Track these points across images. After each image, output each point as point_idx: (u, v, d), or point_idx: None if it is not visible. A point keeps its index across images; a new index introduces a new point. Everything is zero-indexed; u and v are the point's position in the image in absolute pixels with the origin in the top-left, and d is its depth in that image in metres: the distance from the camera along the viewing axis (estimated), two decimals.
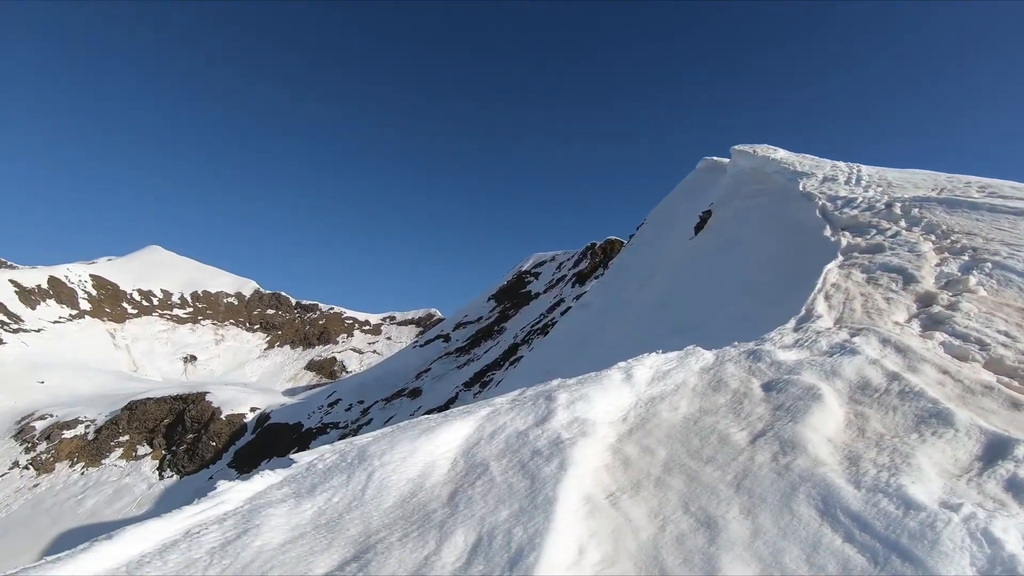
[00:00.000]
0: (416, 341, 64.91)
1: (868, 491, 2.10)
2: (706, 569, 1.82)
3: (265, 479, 2.63)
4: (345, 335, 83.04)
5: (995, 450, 2.43)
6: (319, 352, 77.31)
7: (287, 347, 78.45)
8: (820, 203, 11.09)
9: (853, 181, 12.22)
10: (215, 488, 2.52)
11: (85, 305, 68.46)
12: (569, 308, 34.56)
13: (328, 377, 69.67)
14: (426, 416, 3.48)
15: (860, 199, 10.50)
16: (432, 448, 2.74)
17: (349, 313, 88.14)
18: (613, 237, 51.83)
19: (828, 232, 9.68)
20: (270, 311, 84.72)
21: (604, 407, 3.19)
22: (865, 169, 13.33)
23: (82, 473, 37.67)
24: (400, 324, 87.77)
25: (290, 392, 56.52)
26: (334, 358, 75.11)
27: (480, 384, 36.68)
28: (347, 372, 70.68)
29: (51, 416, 41.20)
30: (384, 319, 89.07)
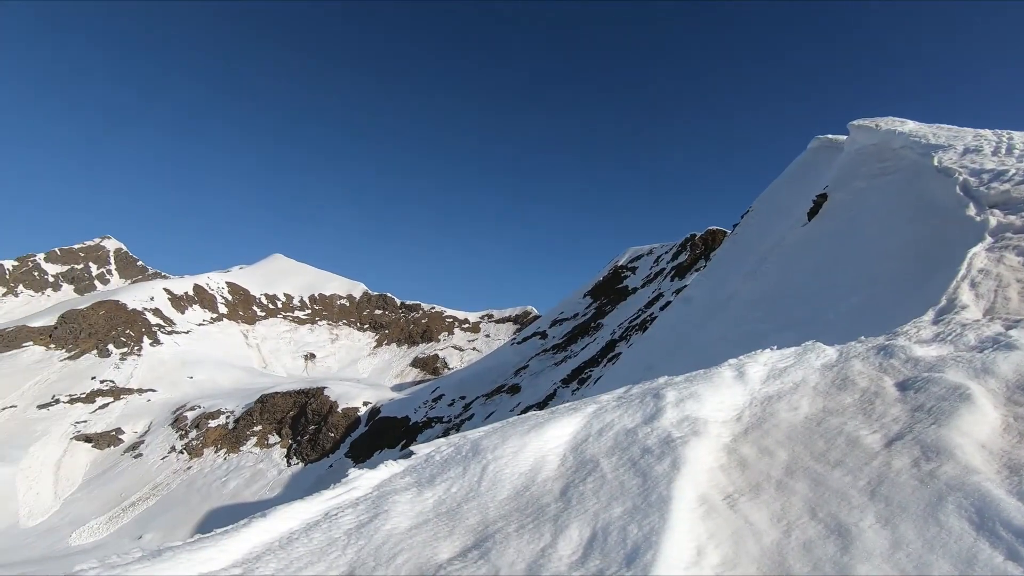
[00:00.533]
0: (513, 338, 66.07)
1: None
2: None
3: (389, 468, 2.84)
4: (446, 333, 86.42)
5: None
6: (423, 350, 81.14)
7: (393, 345, 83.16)
8: (961, 178, 9.81)
9: (1003, 151, 10.68)
10: (347, 475, 2.78)
11: (223, 309, 77.15)
12: (669, 303, 33.48)
13: (431, 373, 72.96)
14: (533, 412, 3.56)
15: (1013, 171, 9.16)
16: (541, 444, 2.81)
17: (449, 312, 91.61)
18: (715, 227, 49.35)
19: (973, 211, 8.55)
20: (378, 311, 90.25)
21: (715, 405, 3.08)
22: (1018, 136, 11.58)
23: (224, 458, 42.52)
24: (498, 322, 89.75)
25: (397, 388, 59.87)
26: (436, 355, 78.49)
27: (578, 381, 36.59)
28: (449, 369, 73.58)
29: (199, 407, 46.94)
30: (482, 317, 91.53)
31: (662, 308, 35.79)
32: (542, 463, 2.67)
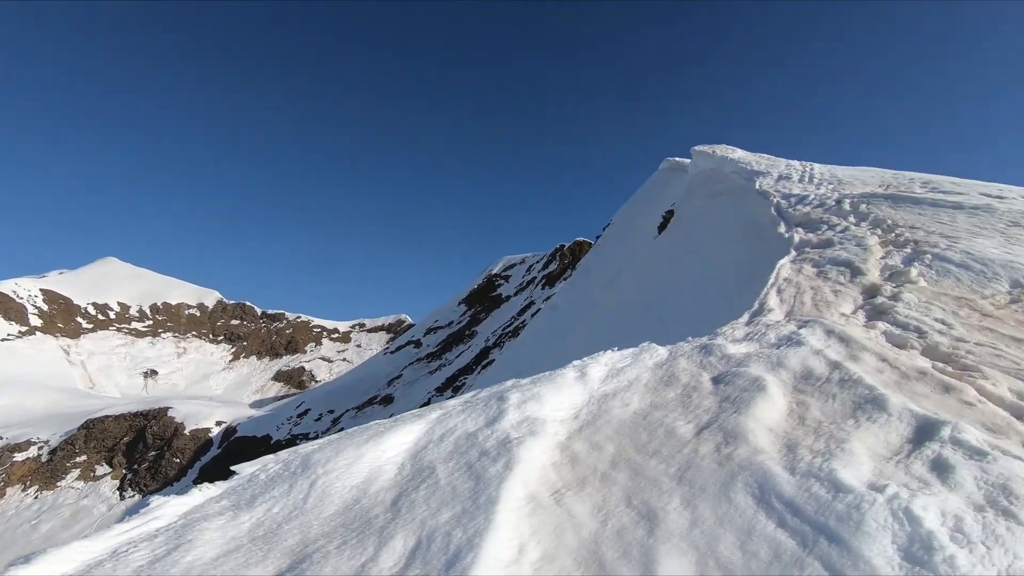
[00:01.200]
0: (387, 348, 64.15)
1: (802, 476, 2.15)
2: (643, 561, 1.84)
3: (204, 492, 2.54)
4: (313, 344, 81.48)
5: (924, 432, 2.53)
6: (287, 362, 75.64)
7: (253, 358, 76.50)
8: (775, 201, 11.40)
9: (806, 179, 12.62)
10: (147, 504, 2.42)
11: (36, 321, 65.42)
12: (539, 310, 34.67)
13: (297, 387, 68.20)
14: (376, 422, 3.42)
15: (812, 196, 10.85)
16: (379, 453, 2.70)
17: (317, 321, 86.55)
18: (581, 239, 52.33)
19: (783, 229, 9.96)
20: (234, 321, 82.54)
21: (556, 405, 3.19)
22: (817, 167, 13.77)
23: (36, 497, 35.91)
24: (370, 331, 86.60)
25: (257, 404, 55.12)
26: (303, 368, 73.58)
27: (452, 389, 36.47)
28: (316, 382, 69.33)
29: (0, 439, 39.18)
30: (353, 326, 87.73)
31: (533, 315, 37.02)
32: (378, 473, 2.55)
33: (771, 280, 6.58)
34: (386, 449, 2.73)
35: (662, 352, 4.29)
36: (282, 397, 60.43)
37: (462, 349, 48.53)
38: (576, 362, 4.05)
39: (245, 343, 78.85)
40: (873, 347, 3.90)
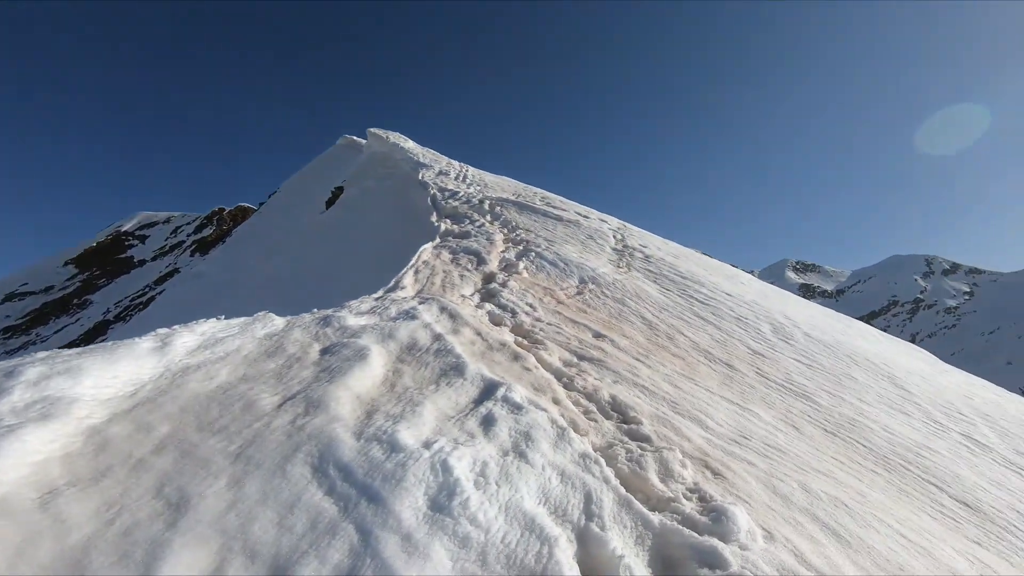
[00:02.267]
0: None
1: (366, 441, 2.15)
2: (146, 561, 1.49)
3: None
4: None
5: (485, 393, 2.89)
6: None
7: None
8: (432, 192, 12.29)
9: (460, 178, 14.03)
10: None
11: None
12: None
13: None
14: None
15: (462, 193, 12.09)
16: None
17: None
18: (246, 204, 46.95)
19: (434, 218, 10.77)
20: None
21: (104, 381, 2.50)
22: (472, 170, 15.50)
23: None
24: None
25: None
26: None
27: None
28: None
29: None
30: None
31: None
32: None
33: (412, 261, 6.95)
34: None
35: (278, 323, 3.94)
36: None
37: (66, 322, 37.69)
38: (161, 330, 3.34)
39: None
40: (474, 323, 4.42)
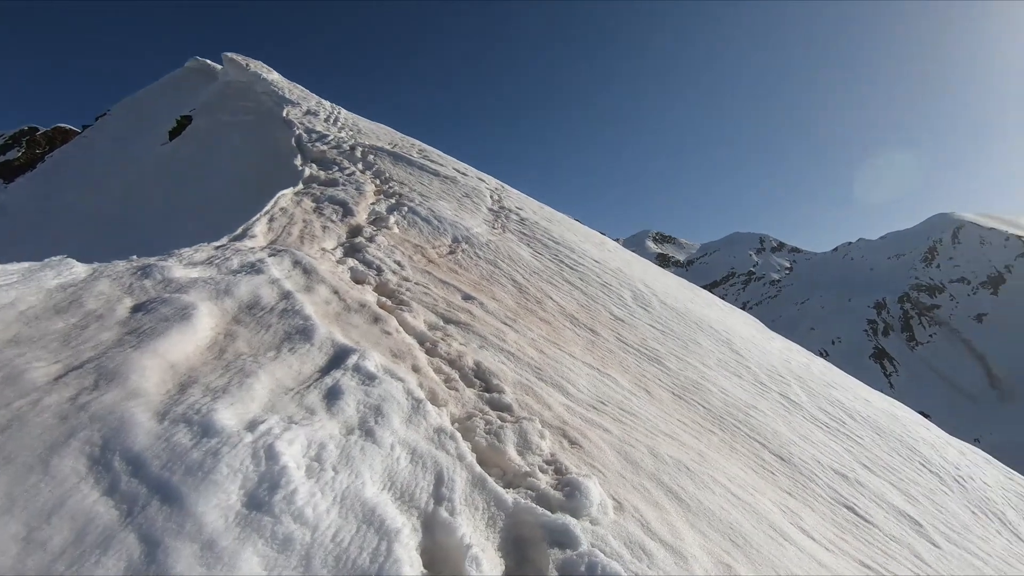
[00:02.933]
0: None
1: (171, 423, 1.76)
2: None
3: None
4: None
5: (335, 361, 2.59)
6: None
7: None
8: (298, 133, 11.13)
9: (331, 120, 12.88)
10: None
11: None
12: None
13: None
14: None
15: (332, 137, 11.10)
16: None
17: None
18: (66, 126, 39.58)
19: (298, 161, 9.77)
20: None
21: None
22: (344, 113, 14.30)
23: None
24: None
25: None
26: None
27: None
28: None
29: None
30: None
31: None
32: None
33: (267, 208, 6.19)
34: None
35: (79, 270, 3.22)
36: None
37: None
38: None
39: None
40: (332, 280, 4.00)
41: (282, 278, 3.66)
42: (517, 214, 9.26)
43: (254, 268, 3.74)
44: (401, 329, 3.55)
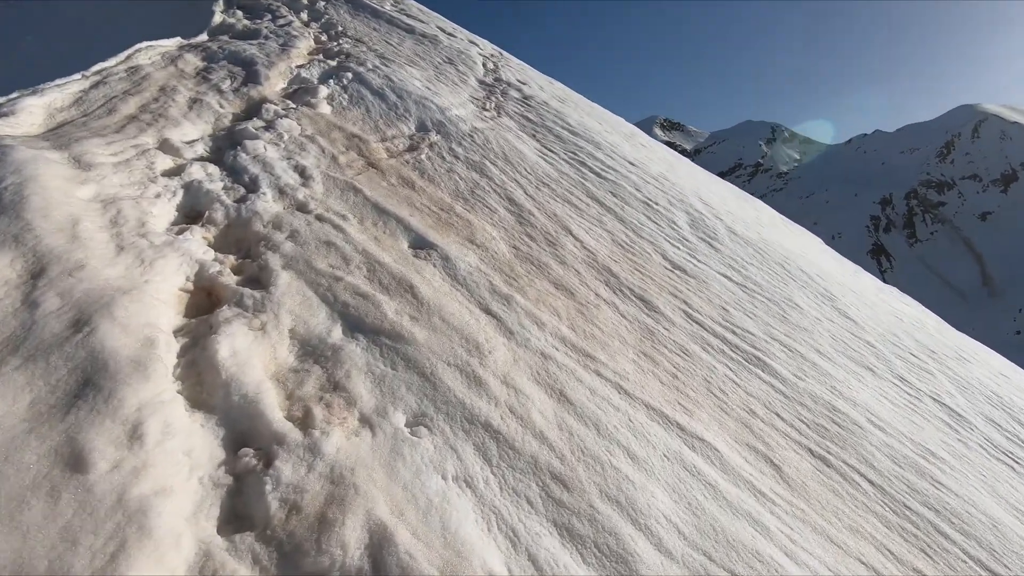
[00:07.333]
0: None
1: None
2: None
3: None
4: None
5: None
6: None
7: None
8: None
9: None
10: None
11: None
12: None
13: None
14: None
15: None
16: None
17: None
18: None
19: (220, 5, 6.98)
20: None
21: None
22: None
23: None
24: None
25: None
26: None
27: None
28: None
29: None
30: None
31: None
32: None
33: (105, 64, 3.78)
34: None
35: None
36: None
37: None
38: None
39: None
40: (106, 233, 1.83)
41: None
42: (519, 90, 6.69)
43: None
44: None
